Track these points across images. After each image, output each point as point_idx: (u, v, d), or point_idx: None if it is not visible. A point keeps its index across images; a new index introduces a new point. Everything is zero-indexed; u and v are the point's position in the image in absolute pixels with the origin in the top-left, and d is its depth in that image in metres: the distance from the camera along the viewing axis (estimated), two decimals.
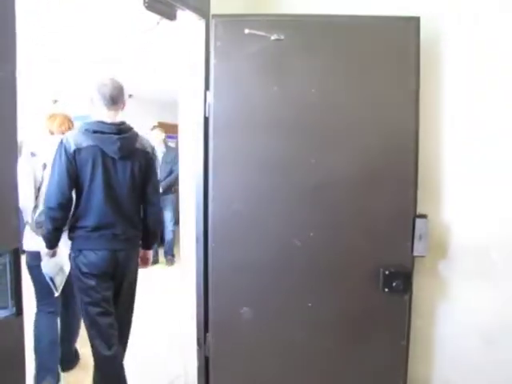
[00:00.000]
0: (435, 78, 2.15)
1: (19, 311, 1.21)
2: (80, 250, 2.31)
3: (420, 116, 2.01)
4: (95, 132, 2.26)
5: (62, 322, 2.84)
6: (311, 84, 2.01)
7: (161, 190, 5.93)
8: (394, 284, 1.99)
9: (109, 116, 2.34)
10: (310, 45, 2.02)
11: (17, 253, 1.22)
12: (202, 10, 2.11)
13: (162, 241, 6.31)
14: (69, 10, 3.90)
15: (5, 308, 1.17)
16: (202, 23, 2.13)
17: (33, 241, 2.54)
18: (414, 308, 2.13)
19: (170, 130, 8.28)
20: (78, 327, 2.98)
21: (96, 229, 2.28)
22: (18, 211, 1.37)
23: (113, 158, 2.28)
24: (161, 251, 6.34)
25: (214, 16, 2.04)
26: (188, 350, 2.43)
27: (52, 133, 2.90)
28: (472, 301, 2.17)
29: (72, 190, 2.26)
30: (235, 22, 2.02)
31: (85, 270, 2.29)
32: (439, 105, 2.17)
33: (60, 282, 2.61)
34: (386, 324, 2.09)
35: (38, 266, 2.53)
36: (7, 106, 1.19)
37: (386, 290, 2.00)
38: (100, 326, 2.32)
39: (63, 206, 2.25)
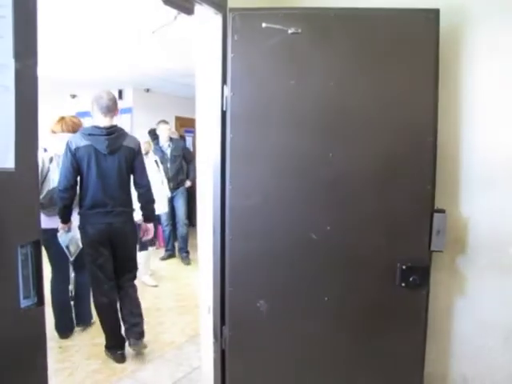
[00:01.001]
0: (454, 71, 2.12)
1: (41, 301, 1.25)
2: (83, 225, 3.04)
3: (439, 109, 1.99)
4: (90, 135, 2.98)
5: (75, 286, 3.57)
6: (329, 77, 2.00)
7: (188, 183, 6.09)
8: (410, 279, 1.98)
9: (105, 121, 3.03)
10: (327, 38, 2.00)
11: (38, 244, 1.25)
12: (220, 4, 2.11)
13: (175, 236, 6.18)
14: (88, 6, 3.94)
15: (27, 297, 1.20)
16: (219, 17, 2.13)
17: (45, 220, 3.03)
18: (432, 303, 2.12)
19: (187, 124, 8.33)
20: (88, 290, 3.51)
21: (91, 207, 3.00)
22: (39, 205, 1.40)
23: (103, 154, 2.98)
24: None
25: (232, 10, 2.04)
26: (205, 342, 2.45)
27: (54, 132, 3.50)
28: (491, 297, 2.14)
29: (75, 178, 3.00)
30: (252, 15, 2.01)
31: (87, 239, 3.02)
32: (458, 98, 2.14)
33: (74, 250, 3.29)
34: (403, 319, 2.07)
35: (48, 240, 3.21)
36: (28, 100, 1.21)
37: (403, 284, 1.99)
38: (99, 279, 3.06)
39: (68, 189, 2.99)
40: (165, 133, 6.07)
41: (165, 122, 6.23)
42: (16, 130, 1.16)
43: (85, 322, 3.64)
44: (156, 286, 4.84)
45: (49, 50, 5.11)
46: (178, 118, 8.53)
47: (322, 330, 2.11)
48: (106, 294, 3.07)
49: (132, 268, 3.27)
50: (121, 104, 8.38)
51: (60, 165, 3.20)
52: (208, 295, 2.34)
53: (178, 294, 4.55)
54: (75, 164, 2.94)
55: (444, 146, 2.08)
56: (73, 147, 2.94)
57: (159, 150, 5.97)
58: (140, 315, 3.24)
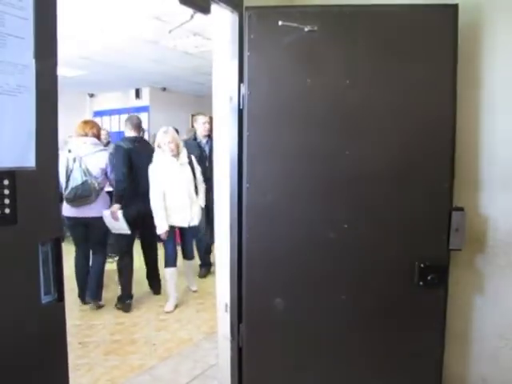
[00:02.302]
0: (474, 67, 2.09)
1: (61, 297, 1.27)
2: (126, 205, 3.98)
3: (458, 105, 1.97)
4: (130, 141, 4.16)
5: (91, 266, 4.16)
6: (345, 75, 1.99)
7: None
8: (429, 277, 1.96)
9: (132, 133, 4.25)
10: (344, 35, 1.99)
11: (58, 242, 1.27)
12: (236, 3, 2.11)
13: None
14: (103, 9, 4.00)
15: (48, 294, 1.23)
16: (235, 16, 2.14)
17: (69, 210, 3.93)
18: (451, 303, 2.09)
19: None
20: (98, 274, 4.12)
21: (131, 192, 4.03)
22: (59, 204, 1.43)
23: (140, 153, 4.10)
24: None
25: (248, 8, 2.04)
26: (222, 340, 2.46)
27: (80, 135, 4.05)
28: (510, 297, 2.11)
29: (127, 170, 4.01)
30: (269, 13, 2.01)
31: (127, 215, 3.92)
32: (478, 94, 2.10)
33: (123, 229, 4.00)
34: (421, 318, 2.06)
35: (72, 225, 4.05)
36: (49, 99, 1.23)
37: (421, 283, 1.98)
38: (126, 245, 4.18)
39: (126, 177, 3.99)
40: (202, 126, 5.09)
41: (203, 114, 5.32)
42: (36, 129, 1.18)
43: (94, 298, 4.11)
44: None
45: (68, 50, 5.17)
46: (194, 116, 8.59)
47: (339, 328, 2.10)
48: (130, 256, 4.16)
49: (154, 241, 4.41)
50: (138, 103, 8.50)
51: (82, 165, 3.85)
52: (225, 293, 2.36)
53: (195, 292, 4.57)
54: (127, 160, 3.99)
55: (463, 143, 2.05)
56: (125, 147, 4.04)
57: (196, 147, 4.96)
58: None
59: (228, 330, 2.33)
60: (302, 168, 2.06)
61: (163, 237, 3.99)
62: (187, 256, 4.47)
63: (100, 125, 4.84)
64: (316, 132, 2.04)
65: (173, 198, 3.99)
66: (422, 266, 1.97)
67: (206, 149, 5.04)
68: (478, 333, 2.21)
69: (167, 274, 4.17)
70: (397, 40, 1.97)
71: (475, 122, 2.12)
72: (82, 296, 4.14)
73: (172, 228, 4.05)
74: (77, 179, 3.81)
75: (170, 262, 4.16)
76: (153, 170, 3.98)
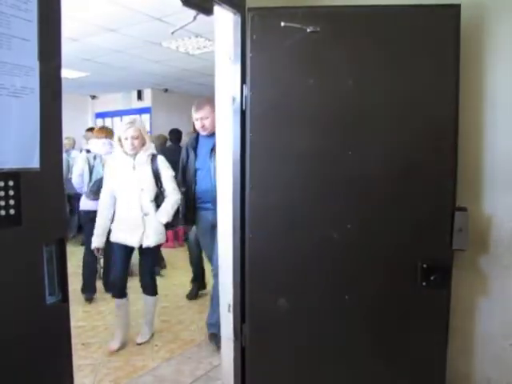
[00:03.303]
0: (476, 67, 2.09)
1: (65, 298, 1.27)
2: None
3: (460, 105, 1.96)
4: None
5: (104, 260, 4.41)
6: (348, 75, 1.99)
7: None
8: (432, 278, 1.96)
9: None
10: (346, 36, 2.00)
11: (62, 243, 1.28)
12: (238, 4, 2.12)
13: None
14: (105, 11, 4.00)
15: (52, 294, 1.23)
16: (238, 17, 2.14)
17: (87, 203, 4.19)
18: (454, 303, 2.09)
19: None
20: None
21: None
22: (65, 205, 1.43)
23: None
24: None
25: (250, 9, 2.04)
26: (225, 340, 2.47)
27: (98, 137, 4.51)
28: None
29: None
30: (271, 14, 2.02)
31: None
32: (481, 93, 2.10)
33: None
34: (424, 318, 2.05)
35: (89, 219, 3.91)
36: (53, 101, 1.24)
37: (424, 283, 1.98)
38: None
39: None
40: (195, 123, 3.87)
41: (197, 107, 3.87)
42: (41, 130, 1.19)
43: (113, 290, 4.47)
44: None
45: (70, 52, 5.18)
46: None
47: (343, 328, 2.10)
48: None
49: None
50: (140, 104, 8.52)
51: (102, 161, 4.19)
52: (228, 293, 2.36)
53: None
54: None
55: (466, 143, 2.05)
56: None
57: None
58: None
59: (231, 331, 2.33)
60: (304, 168, 2.07)
61: (95, 253, 3.33)
62: (143, 288, 3.36)
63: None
64: (319, 132, 2.04)
65: (119, 207, 3.20)
66: (424, 266, 1.97)
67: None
68: (481, 333, 2.21)
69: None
70: (399, 40, 1.97)
71: (478, 121, 2.12)
72: (85, 292, 4.30)
73: (121, 247, 3.19)
74: (100, 172, 4.17)
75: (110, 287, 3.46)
76: (108, 168, 3.42)
